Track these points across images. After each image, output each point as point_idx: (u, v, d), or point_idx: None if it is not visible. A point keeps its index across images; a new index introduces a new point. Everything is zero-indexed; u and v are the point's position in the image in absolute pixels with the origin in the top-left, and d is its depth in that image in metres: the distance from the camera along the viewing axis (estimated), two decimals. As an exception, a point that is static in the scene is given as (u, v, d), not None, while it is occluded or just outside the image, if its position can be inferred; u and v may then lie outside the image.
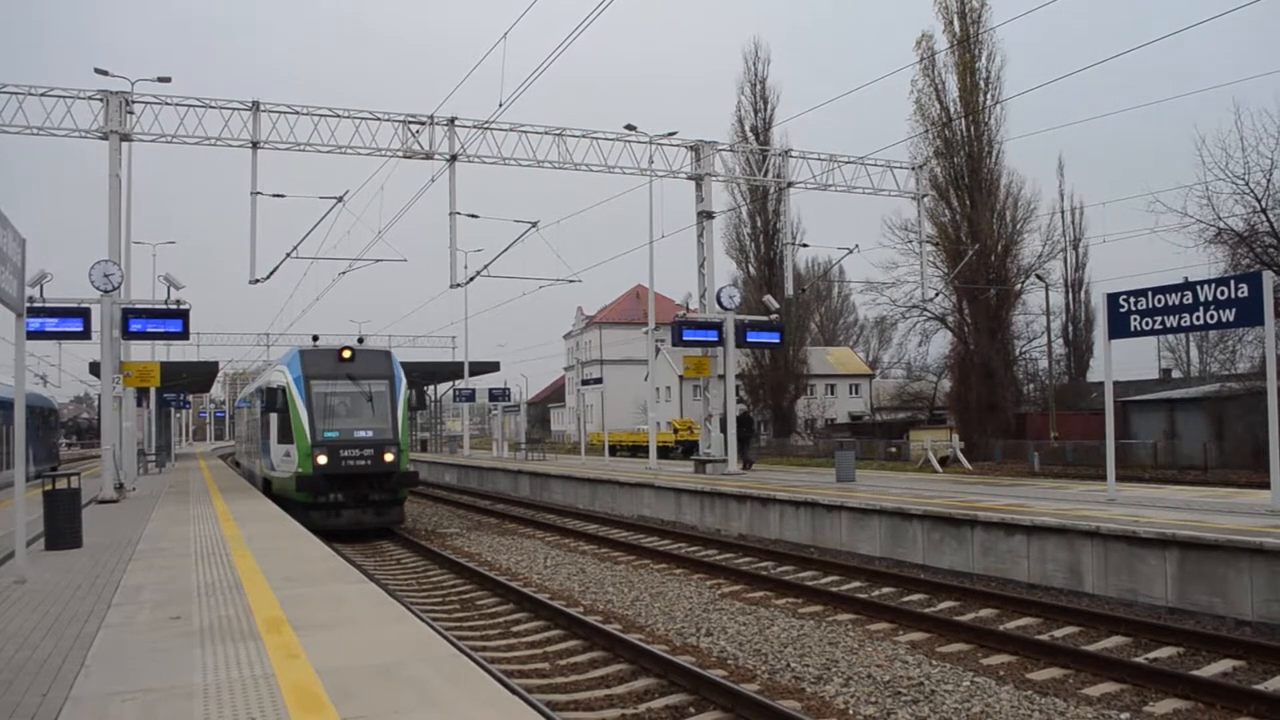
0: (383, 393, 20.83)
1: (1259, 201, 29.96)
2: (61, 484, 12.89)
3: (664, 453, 32.27)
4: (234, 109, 23.03)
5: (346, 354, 20.85)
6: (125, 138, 21.96)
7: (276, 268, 24.12)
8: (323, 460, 19.41)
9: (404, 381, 21.53)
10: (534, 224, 27.08)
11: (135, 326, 20.38)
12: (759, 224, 52.12)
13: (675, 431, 53.66)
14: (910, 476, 27.36)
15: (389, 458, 20.03)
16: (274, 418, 20.91)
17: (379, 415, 20.58)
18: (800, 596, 13.19)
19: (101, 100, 21.76)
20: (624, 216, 63.37)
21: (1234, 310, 14.39)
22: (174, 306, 20.68)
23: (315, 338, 22.57)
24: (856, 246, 29.54)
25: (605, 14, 15.71)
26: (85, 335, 19.68)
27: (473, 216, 25.51)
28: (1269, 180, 29.80)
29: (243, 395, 39.25)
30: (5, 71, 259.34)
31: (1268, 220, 30.05)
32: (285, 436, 20.21)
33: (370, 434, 20.11)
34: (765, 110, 51.80)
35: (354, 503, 19.85)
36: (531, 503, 30.31)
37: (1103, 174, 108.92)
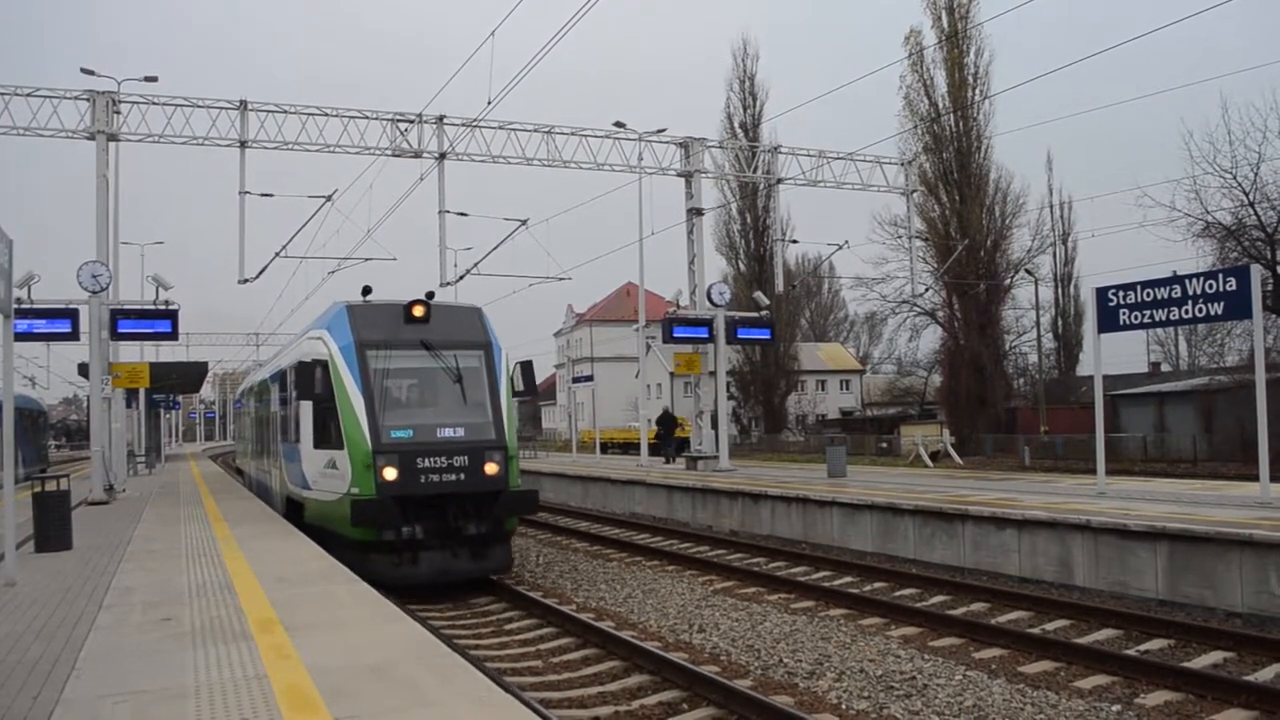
0: (476, 369, 14.18)
1: (1246, 195, 30.09)
2: (51, 486, 12.83)
3: (655, 450, 32.42)
4: (221, 108, 22.95)
5: (418, 311, 14.10)
6: (112, 138, 21.87)
7: (265, 267, 24.07)
8: (392, 475, 12.74)
9: (504, 353, 14.77)
10: (523, 222, 27.03)
11: (124, 327, 20.30)
12: (749, 220, 52.16)
13: (667, 428, 53.61)
14: (901, 471, 27.43)
15: (492, 469, 13.38)
16: (308, 410, 14.22)
17: (473, 403, 13.99)
18: (792, 592, 13.21)
19: (88, 100, 21.67)
20: (614, 214, 63.34)
21: (1222, 304, 14.48)
22: (162, 307, 20.59)
23: (367, 290, 14.79)
24: (846, 242, 29.53)
25: (593, 10, 15.86)
26: (74, 336, 19.62)
27: (462, 215, 25.44)
28: (1256, 174, 29.94)
29: (245, 387, 31.27)
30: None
31: (1255, 214, 30.19)
32: (328, 438, 13.63)
33: (461, 432, 13.52)
34: (754, 107, 51.85)
35: (439, 540, 13.07)
36: (523, 501, 30.23)
37: (1091, 169, 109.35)
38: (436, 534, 13.06)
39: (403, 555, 12.87)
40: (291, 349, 17.61)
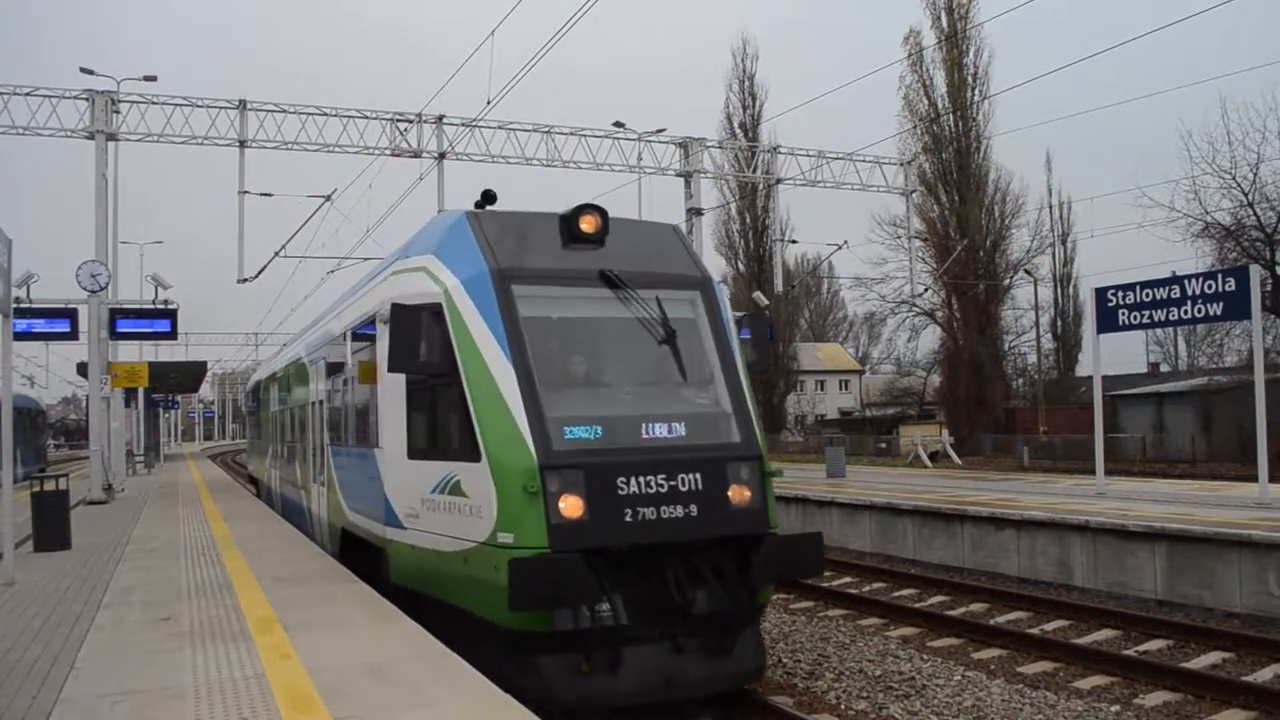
0: (692, 323, 8.80)
1: (1245, 195, 30.11)
2: (50, 485, 12.82)
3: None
4: (221, 108, 22.94)
5: (588, 224, 8.61)
6: (111, 137, 21.85)
7: (265, 267, 24.05)
8: (576, 509, 7.33)
9: (727, 299, 9.42)
10: (523, 221, 26.97)
11: (123, 327, 20.34)
12: (748, 220, 52.11)
13: (666, 429, 53.71)
14: (900, 471, 27.44)
15: (741, 495, 7.84)
16: (396, 391, 8.84)
17: (697, 381, 8.58)
18: (791, 592, 13.20)
19: (87, 100, 21.66)
20: (613, 213, 63.14)
21: (1221, 304, 14.51)
22: (161, 306, 20.62)
23: (488, 196, 9.29)
24: (845, 243, 29.54)
25: (593, 10, 15.64)
26: (73, 336, 19.65)
27: (462, 214, 25.34)
28: (1255, 174, 29.97)
29: (264, 373, 22.97)
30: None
31: (1254, 214, 30.21)
32: (444, 439, 8.44)
33: (682, 430, 7.97)
34: (754, 107, 51.78)
35: (651, 625, 7.46)
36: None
37: (1091, 169, 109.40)
38: (647, 615, 7.36)
39: (594, 655, 7.16)
40: (357, 299, 11.32)
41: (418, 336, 8.01)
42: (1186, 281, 15.01)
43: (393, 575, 8.91)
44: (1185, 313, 14.99)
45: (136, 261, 49.58)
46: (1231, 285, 14.27)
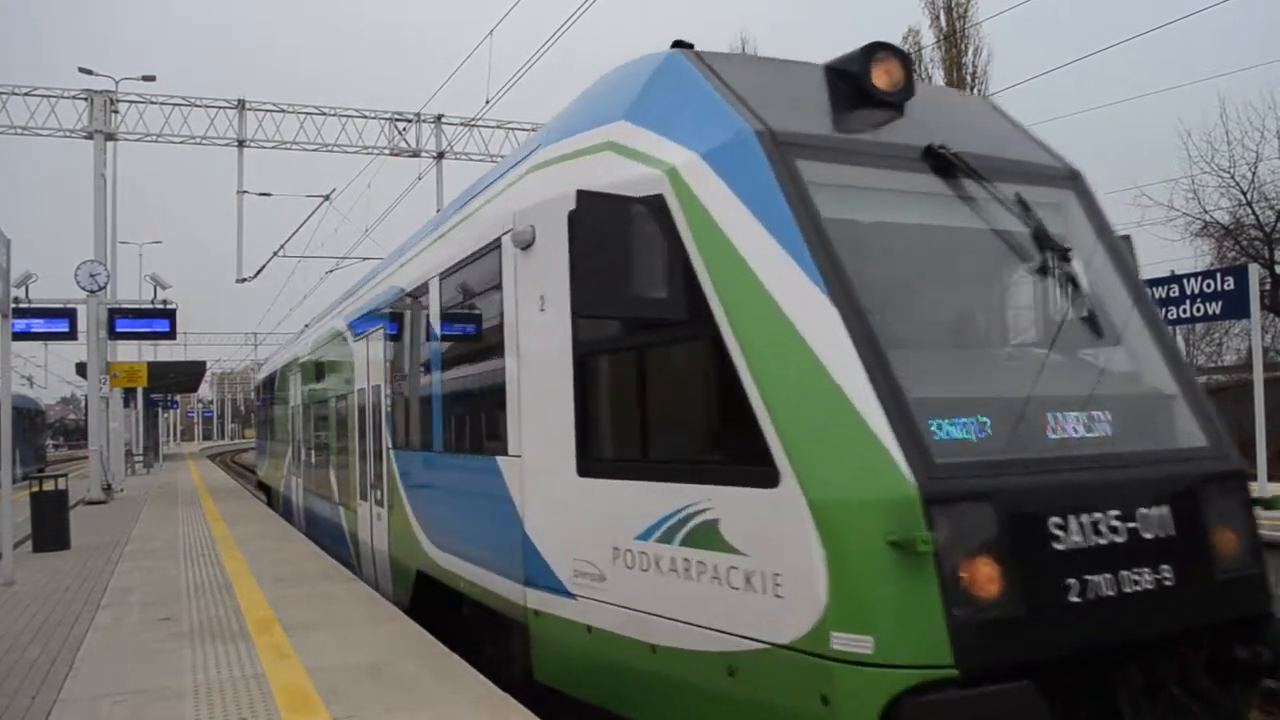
0: (1068, 238, 5.17)
1: (1244, 194, 30.12)
2: (49, 485, 12.83)
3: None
4: (219, 108, 22.97)
5: (885, 76, 5.00)
6: (110, 137, 21.86)
7: (264, 266, 24.11)
8: (988, 581, 3.69)
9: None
10: (523, 221, 26.90)
11: (122, 326, 20.34)
12: (747, 220, 52.18)
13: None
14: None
15: (1229, 542, 4.41)
16: (551, 360, 5.31)
17: (1108, 335, 4.99)
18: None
19: (86, 100, 21.67)
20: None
21: (1220, 303, 14.52)
22: (160, 306, 20.62)
23: (682, 44, 5.22)
24: (845, 242, 29.49)
25: (592, 9, 15.42)
26: (71, 336, 19.63)
27: (461, 214, 25.30)
28: (1254, 173, 29.98)
29: (287, 357, 18.77)
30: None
31: (1253, 213, 30.24)
32: (682, 444, 4.77)
33: (1106, 424, 4.46)
34: (753, 106, 51.85)
35: None
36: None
37: (1089, 168, 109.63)
38: None
39: None
40: (454, 226, 7.60)
41: (624, 251, 4.39)
42: (1185, 280, 15.00)
43: (538, 668, 5.63)
44: (1184, 312, 14.98)
45: (135, 261, 49.53)
46: (1230, 284, 14.28)
